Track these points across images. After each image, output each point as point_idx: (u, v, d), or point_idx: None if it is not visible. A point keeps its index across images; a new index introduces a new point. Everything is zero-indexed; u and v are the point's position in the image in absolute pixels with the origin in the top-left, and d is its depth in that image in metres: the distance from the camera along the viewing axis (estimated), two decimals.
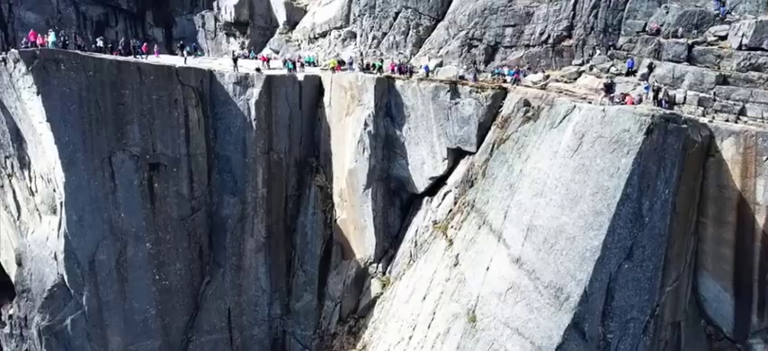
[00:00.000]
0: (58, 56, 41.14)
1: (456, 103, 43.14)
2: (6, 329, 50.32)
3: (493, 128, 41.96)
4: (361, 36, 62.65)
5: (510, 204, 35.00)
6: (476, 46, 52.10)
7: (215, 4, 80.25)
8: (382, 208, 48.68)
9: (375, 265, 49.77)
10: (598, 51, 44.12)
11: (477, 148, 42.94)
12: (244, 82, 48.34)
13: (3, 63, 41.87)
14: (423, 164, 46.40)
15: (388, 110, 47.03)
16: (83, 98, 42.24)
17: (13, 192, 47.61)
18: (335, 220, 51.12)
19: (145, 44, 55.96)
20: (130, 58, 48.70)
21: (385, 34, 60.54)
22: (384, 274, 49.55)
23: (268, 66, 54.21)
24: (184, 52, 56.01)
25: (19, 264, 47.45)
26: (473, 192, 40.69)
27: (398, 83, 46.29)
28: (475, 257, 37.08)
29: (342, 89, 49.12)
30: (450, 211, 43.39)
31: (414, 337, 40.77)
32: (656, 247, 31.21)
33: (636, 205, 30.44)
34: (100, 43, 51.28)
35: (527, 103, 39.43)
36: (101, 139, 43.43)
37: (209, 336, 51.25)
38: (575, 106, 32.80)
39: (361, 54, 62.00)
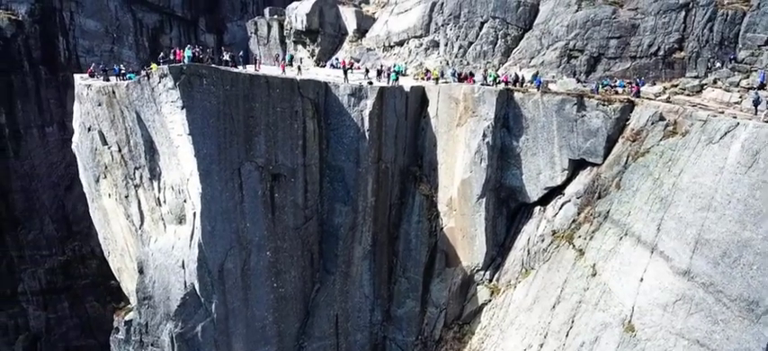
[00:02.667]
0: (201, 71, 42.16)
1: (582, 116, 44.32)
2: (121, 335, 51.13)
3: (621, 140, 43.10)
4: (445, 45, 63.50)
5: (663, 217, 36.15)
6: (576, 57, 53.30)
7: (286, 15, 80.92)
8: (492, 216, 49.60)
9: (482, 272, 50.84)
10: (718, 64, 45.19)
11: (604, 159, 43.73)
12: (358, 94, 49.44)
13: (146, 78, 42.76)
14: (539, 174, 47.56)
15: (506, 121, 48.07)
16: (220, 111, 43.27)
17: (139, 202, 48.57)
18: (441, 228, 52.14)
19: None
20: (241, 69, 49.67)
21: (471, 43, 61.72)
22: (491, 281, 50.54)
23: (350, 73, 55.29)
24: (286, 61, 56.99)
25: (140, 272, 48.41)
26: (605, 203, 41.77)
27: (517, 95, 47.41)
28: (620, 268, 38.18)
29: (452, 100, 50.27)
30: (574, 220, 44.29)
31: (546, 345, 41.93)
32: None
33: None
34: (226, 57, 52.04)
35: (662, 117, 40.42)
36: (233, 150, 44.58)
37: (319, 342, 52.46)
38: (738, 123, 34.01)
39: (447, 63, 62.95)
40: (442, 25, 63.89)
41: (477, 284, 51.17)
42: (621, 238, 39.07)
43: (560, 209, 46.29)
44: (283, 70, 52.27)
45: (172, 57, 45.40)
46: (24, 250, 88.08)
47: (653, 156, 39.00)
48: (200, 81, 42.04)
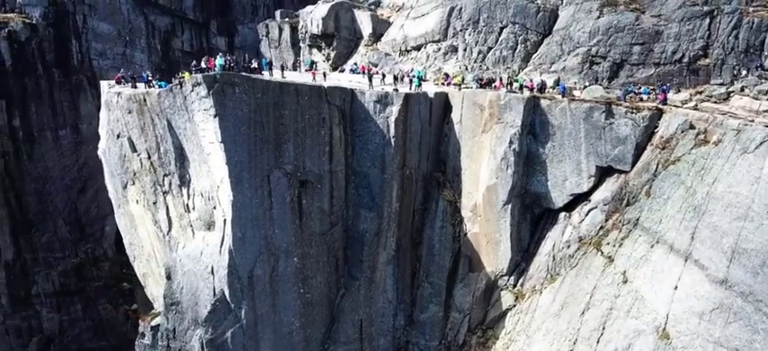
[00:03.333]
0: (234, 79, 42.50)
1: (610, 124, 44.73)
2: (147, 340, 51.45)
3: (650, 148, 43.50)
4: (464, 50, 63.85)
5: (698, 226, 36.56)
6: (598, 63, 53.68)
7: (300, 18, 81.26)
8: (517, 222, 49.99)
9: (506, 277, 51.20)
10: (744, 72, 45.63)
11: (632, 166, 44.13)
12: (383, 100, 49.78)
13: (178, 86, 43.06)
14: (565, 180, 47.94)
15: (532, 128, 48.43)
16: (251, 119, 43.65)
17: (167, 208, 48.91)
18: (465, 233, 52.53)
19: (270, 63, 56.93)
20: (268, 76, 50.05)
21: (491, 49, 62.13)
22: (515, 286, 50.94)
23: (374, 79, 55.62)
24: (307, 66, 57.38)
25: (168, 278, 48.76)
26: (634, 210, 42.18)
27: (544, 102, 47.76)
28: (652, 276, 38.59)
29: (476, 106, 50.63)
30: (602, 227, 44.69)
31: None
32: None
33: None
34: (254, 64, 52.35)
35: (692, 126, 40.83)
36: (262, 158, 44.96)
37: (344, 346, 52.90)
38: None
39: (466, 68, 63.31)
40: (461, 30, 64.21)
41: (501, 289, 51.53)
42: (653, 245, 39.42)
43: (586, 215, 46.61)
44: (314, 77, 52.24)
45: (203, 65, 45.24)
46: (38, 253, 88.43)
47: (684, 164, 39.33)
48: (233, 89, 42.36)
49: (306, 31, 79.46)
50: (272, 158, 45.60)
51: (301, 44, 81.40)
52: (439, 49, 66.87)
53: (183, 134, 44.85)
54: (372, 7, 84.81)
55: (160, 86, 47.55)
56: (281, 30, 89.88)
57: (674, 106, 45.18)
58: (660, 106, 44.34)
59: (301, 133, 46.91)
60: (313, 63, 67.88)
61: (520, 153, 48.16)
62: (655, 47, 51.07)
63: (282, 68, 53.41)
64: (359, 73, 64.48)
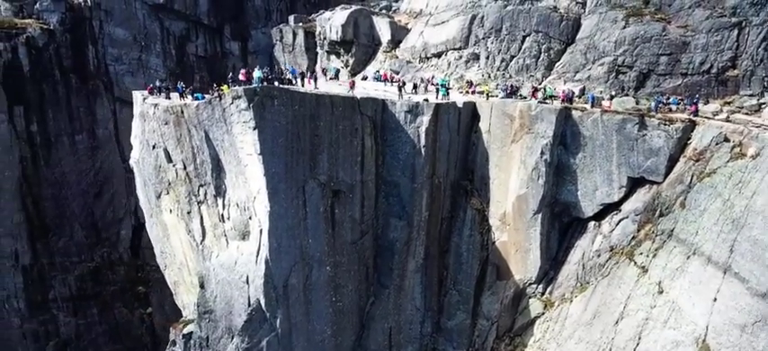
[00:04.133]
0: (273, 92, 43.05)
1: (643, 135, 45.28)
2: (179, 348, 51.91)
3: (683, 160, 44.04)
4: (486, 58, 64.32)
5: (737, 239, 37.12)
6: (625, 73, 54.18)
7: (318, 24, 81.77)
8: (546, 231, 50.53)
9: (535, 285, 51.66)
10: None
11: (664, 178, 44.69)
12: (414, 110, 50.31)
13: (217, 98, 43.57)
14: (595, 190, 48.49)
15: (563, 138, 48.95)
16: (288, 131, 44.18)
17: (201, 218, 49.35)
18: (493, 242, 53.04)
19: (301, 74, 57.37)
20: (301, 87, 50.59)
21: (514, 57, 62.60)
22: (544, 294, 51.46)
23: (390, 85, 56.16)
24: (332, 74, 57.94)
25: (202, 286, 49.23)
26: (668, 221, 42.74)
27: (576, 113, 48.29)
28: (690, 287, 39.15)
29: (506, 116, 51.14)
30: (634, 237, 45.23)
31: None
32: None
33: None
34: (289, 76, 52.81)
35: (727, 138, 41.40)
36: (298, 169, 45.49)
37: None
38: None
39: (489, 76, 63.83)
40: (483, 38, 64.68)
41: (530, 297, 52.10)
42: (689, 257, 39.97)
43: (617, 225, 47.17)
44: (352, 87, 52.76)
45: (240, 77, 45.77)
46: (55, 257, 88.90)
47: (721, 177, 39.85)
48: (272, 102, 42.94)
49: (324, 38, 79.81)
50: (307, 169, 46.05)
51: (319, 50, 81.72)
52: (460, 57, 67.24)
53: (220, 145, 45.30)
54: (387, 11, 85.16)
55: (196, 98, 47.83)
56: (294, 34, 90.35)
57: (706, 118, 45.65)
58: (692, 118, 44.67)
59: (335, 144, 47.37)
60: (338, 71, 68.15)
61: (551, 163, 48.61)
62: (682, 57, 51.53)
63: (315, 79, 53.35)
64: (381, 80, 64.69)
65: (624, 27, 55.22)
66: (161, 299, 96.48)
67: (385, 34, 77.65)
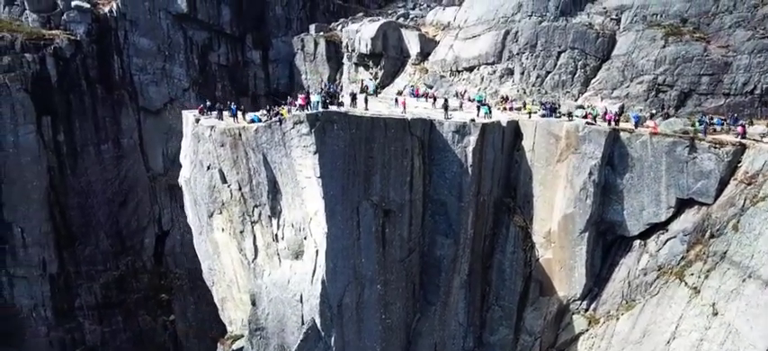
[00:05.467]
0: (333, 117, 43.89)
1: (694, 158, 46.22)
2: None
3: (734, 182, 45.02)
4: (521, 74, 65.14)
5: None
6: (665, 91, 55.17)
7: (344, 36, 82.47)
8: (591, 249, 51.41)
9: (579, 302, 52.57)
10: None
11: (714, 200, 45.64)
12: (462, 130, 51.23)
13: (278, 123, 44.40)
14: (642, 210, 49.46)
15: (610, 159, 49.81)
16: (345, 154, 45.10)
17: (254, 237, 50.06)
18: (537, 259, 53.86)
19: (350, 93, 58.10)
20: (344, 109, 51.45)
21: (549, 73, 63.49)
22: (587, 310, 52.38)
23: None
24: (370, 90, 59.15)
25: (253, 303, 50.01)
26: (720, 243, 43.72)
27: (624, 135, 49.17)
28: (746, 310, 40.12)
29: (551, 136, 51.99)
30: (683, 257, 46.18)
31: None
32: None
33: None
34: (342, 99, 53.60)
35: None
36: (354, 190, 46.40)
37: None
38: None
39: (524, 91, 64.68)
40: (517, 54, 65.54)
41: (573, 313, 52.99)
42: (744, 280, 40.90)
43: (664, 244, 48.15)
44: (404, 108, 53.59)
45: (299, 102, 46.63)
46: (81, 266, 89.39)
47: None
48: (332, 126, 43.87)
49: (352, 50, 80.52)
50: (361, 190, 47.00)
51: (346, 62, 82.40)
52: (494, 72, 68.05)
53: (277, 168, 46.12)
54: (404, 19, 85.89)
55: (253, 120, 48.54)
56: (316, 44, 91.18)
57: (754, 140, 46.49)
58: (742, 141, 45.60)
59: (387, 165, 48.32)
60: (376, 88, 68.84)
61: (599, 184, 49.38)
62: (724, 78, 52.53)
63: (366, 100, 54.09)
64: (413, 96, 65.52)
65: (664, 46, 56.05)
66: (183, 306, 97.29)
67: (414, 47, 78.41)
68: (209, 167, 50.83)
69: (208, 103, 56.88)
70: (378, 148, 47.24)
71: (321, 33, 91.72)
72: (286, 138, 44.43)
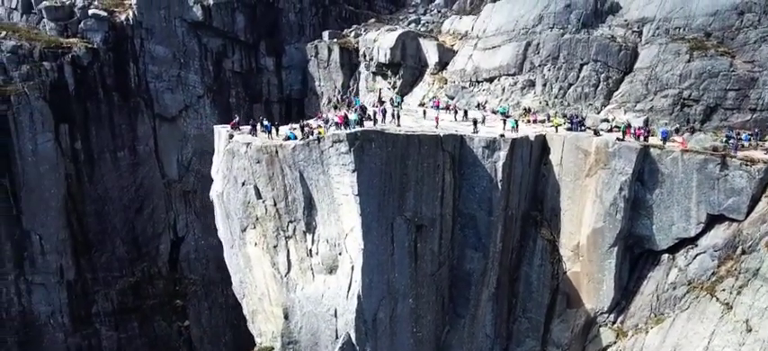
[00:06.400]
0: (371, 135, 44.57)
1: (725, 175, 46.91)
2: None
3: (765, 199, 45.69)
4: (543, 85, 65.68)
5: None
6: (690, 106, 55.82)
7: (361, 45, 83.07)
8: (620, 263, 52.06)
9: (606, 314, 53.25)
10: None
11: (746, 216, 46.33)
12: (492, 146, 51.80)
13: (316, 141, 45.04)
14: (671, 225, 50.10)
15: (640, 175, 50.44)
16: (382, 171, 45.86)
17: (288, 252, 50.64)
18: (565, 272, 54.49)
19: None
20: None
21: (571, 85, 64.06)
22: (615, 323, 53.06)
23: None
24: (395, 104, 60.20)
25: (286, 317, 50.65)
26: (752, 260, 44.49)
27: (654, 151, 49.79)
28: None
29: (580, 151, 52.58)
30: (714, 273, 46.89)
31: None
32: None
33: None
34: (370, 113, 54.23)
35: None
36: (389, 207, 47.11)
37: None
38: None
39: (547, 103, 65.27)
40: (539, 65, 66.01)
41: (600, 326, 53.63)
42: None
43: (694, 259, 48.78)
44: (437, 123, 54.21)
45: (336, 121, 47.25)
46: (97, 272, 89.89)
47: None
48: (370, 145, 44.66)
49: (370, 59, 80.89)
50: (396, 207, 47.75)
51: (364, 71, 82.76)
52: (515, 83, 68.52)
53: (314, 185, 46.76)
54: (424, 27, 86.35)
55: (289, 137, 49.07)
56: (330, 50, 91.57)
57: None
58: None
59: (420, 181, 49.06)
60: (400, 101, 69.25)
61: (629, 199, 49.96)
62: (750, 93, 53.23)
63: (398, 116, 54.57)
64: (434, 108, 66.03)
65: (689, 61, 56.65)
66: (198, 312, 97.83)
67: (432, 57, 78.87)
68: (243, 183, 51.36)
69: (237, 118, 57.13)
70: (412, 164, 48.07)
71: (334, 40, 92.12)
72: (324, 156, 45.05)
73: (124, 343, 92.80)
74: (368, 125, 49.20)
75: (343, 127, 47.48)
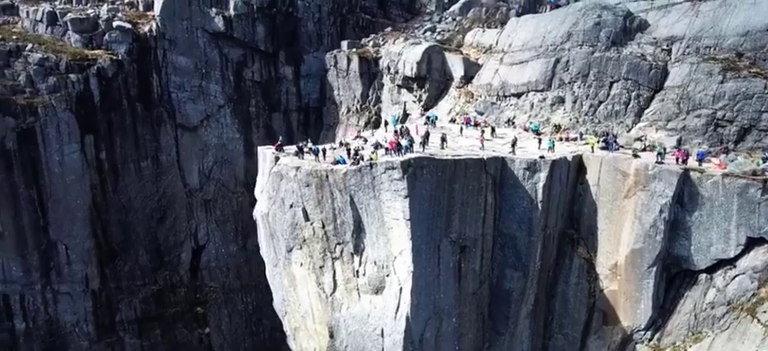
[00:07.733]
0: (423, 162, 45.57)
1: (766, 199, 47.89)
2: None
3: None
4: (573, 102, 66.55)
5: None
6: (724, 126, 56.72)
7: (384, 58, 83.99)
8: (657, 282, 53.13)
9: (642, 332, 54.32)
10: None
11: None
12: (532, 167, 52.74)
13: (369, 168, 45.96)
14: (710, 246, 51.12)
15: (680, 197, 51.47)
16: (431, 196, 46.83)
17: (334, 272, 51.51)
18: (602, 290, 55.53)
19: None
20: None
21: (602, 102, 64.91)
22: (651, 340, 54.13)
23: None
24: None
25: (331, 336, 51.57)
26: None
27: (694, 174, 50.79)
28: None
29: (618, 172, 53.58)
30: (754, 294, 47.99)
31: None
32: None
33: None
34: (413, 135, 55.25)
35: None
36: (436, 230, 48.09)
37: None
38: None
39: (577, 121, 66.22)
40: (569, 82, 66.65)
41: (637, 343, 54.62)
42: None
43: (732, 280, 49.75)
44: (482, 144, 55.13)
45: (387, 147, 48.27)
46: (121, 281, 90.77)
47: None
48: (422, 171, 45.69)
49: (395, 73, 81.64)
50: (442, 229, 48.76)
51: (388, 83, 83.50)
52: (544, 99, 69.22)
53: (364, 209, 47.67)
54: (431, 34, 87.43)
55: (339, 161, 49.95)
56: (349, 60, 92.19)
57: None
58: None
59: (465, 203, 50.07)
60: (435, 119, 70.06)
61: (669, 221, 50.96)
62: None
63: (444, 138, 55.45)
64: (463, 125, 66.91)
65: (722, 81, 57.40)
66: (218, 319, 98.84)
67: (457, 70, 79.60)
68: (291, 205, 52.20)
69: (281, 140, 57.96)
70: (458, 188, 49.10)
71: (353, 50, 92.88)
72: (376, 181, 45.97)
73: (147, 350, 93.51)
74: (416, 148, 49.60)
75: (393, 152, 48.04)
